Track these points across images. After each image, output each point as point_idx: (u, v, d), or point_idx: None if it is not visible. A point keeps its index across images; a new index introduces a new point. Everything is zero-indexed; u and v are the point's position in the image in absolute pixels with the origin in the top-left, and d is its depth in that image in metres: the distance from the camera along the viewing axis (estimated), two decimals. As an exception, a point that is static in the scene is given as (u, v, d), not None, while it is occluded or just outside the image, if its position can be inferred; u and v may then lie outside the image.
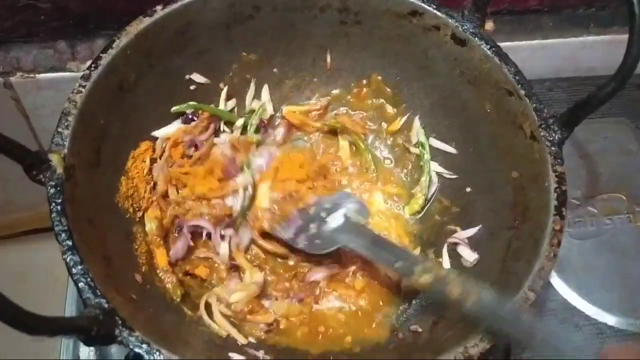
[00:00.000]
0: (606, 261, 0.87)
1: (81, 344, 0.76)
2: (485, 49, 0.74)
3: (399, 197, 0.83)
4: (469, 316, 0.56)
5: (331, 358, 0.65)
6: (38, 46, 0.91)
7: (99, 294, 0.54)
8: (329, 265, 0.74)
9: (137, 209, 0.71)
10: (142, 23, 0.72)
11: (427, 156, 0.81)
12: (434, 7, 0.76)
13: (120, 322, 0.54)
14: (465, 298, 0.56)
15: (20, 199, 1.21)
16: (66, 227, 0.57)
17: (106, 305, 0.54)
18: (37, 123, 1.02)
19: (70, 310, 0.82)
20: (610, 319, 0.82)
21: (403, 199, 0.83)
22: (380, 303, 0.73)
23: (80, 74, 0.91)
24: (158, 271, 0.68)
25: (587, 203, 0.92)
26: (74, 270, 0.56)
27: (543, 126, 0.68)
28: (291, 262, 0.75)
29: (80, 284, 0.55)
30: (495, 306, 0.55)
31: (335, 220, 0.72)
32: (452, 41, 0.76)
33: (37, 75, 0.93)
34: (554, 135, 0.68)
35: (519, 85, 0.71)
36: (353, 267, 0.75)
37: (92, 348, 0.76)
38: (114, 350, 0.75)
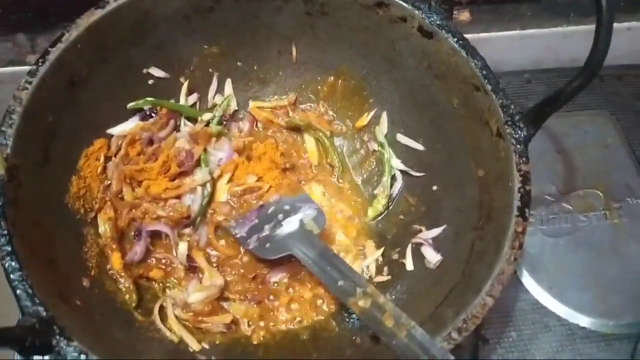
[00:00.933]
0: (580, 260, 0.84)
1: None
2: (452, 41, 0.71)
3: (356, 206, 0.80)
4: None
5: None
6: (-4, 39, 0.88)
7: (37, 301, 0.52)
8: (287, 265, 0.72)
9: (88, 209, 0.69)
10: (93, 15, 0.69)
11: (387, 155, 0.79)
12: (401, -2, 0.73)
13: (57, 330, 0.52)
14: (397, 331, 0.55)
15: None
16: (5, 231, 0.55)
17: (44, 314, 0.52)
18: (-1, 118, 0.98)
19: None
20: (582, 320, 0.80)
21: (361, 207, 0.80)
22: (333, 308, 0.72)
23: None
24: (112, 274, 0.66)
25: (562, 199, 0.90)
26: (12, 277, 0.54)
27: (509, 123, 0.66)
28: (247, 265, 0.72)
29: (18, 291, 0.53)
30: (425, 344, 0.53)
31: (290, 225, 0.70)
32: (419, 33, 0.74)
33: (-5, 69, 0.90)
34: (519, 132, 0.65)
35: (486, 80, 0.69)
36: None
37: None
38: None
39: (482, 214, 0.66)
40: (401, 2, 0.73)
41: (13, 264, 0.54)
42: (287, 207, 0.72)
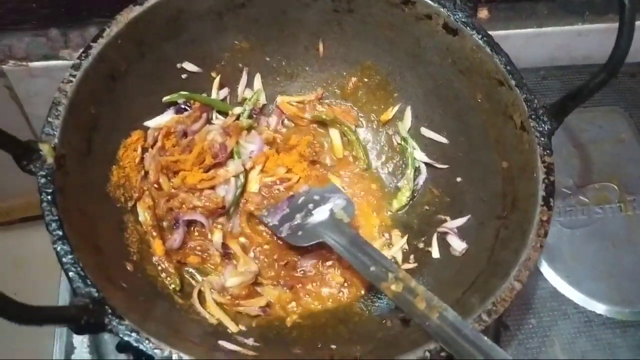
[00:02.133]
0: (596, 250, 0.87)
1: (74, 345, 0.77)
2: (476, 38, 0.74)
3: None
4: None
5: (319, 345, 0.66)
6: (30, 34, 0.91)
7: (89, 283, 0.55)
8: (317, 252, 0.75)
9: (128, 198, 0.72)
10: (132, 11, 0.72)
11: (410, 149, 0.81)
12: (426, -5, 0.76)
13: (109, 311, 0.54)
14: (429, 313, 0.58)
15: (14, 186, 1.21)
16: (56, 217, 0.58)
17: (96, 294, 0.55)
18: (31, 111, 1.02)
19: (63, 298, 0.82)
20: (599, 308, 0.83)
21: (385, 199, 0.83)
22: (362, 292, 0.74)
23: (73, 61, 0.92)
24: (154, 260, 0.69)
25: (578, 192, 0.93)
26: (64, 260, 0.56)
27: (533, 117, 0.68)
28: (279, 251, 0.75)
29: (71, 273, 0.56)
30: (457, 325, 0.56)
31: (320, 214, 0.72)
32: (444, 30, 0.76)
33: (29, 63, 0.93)
34: (543, 126, 0.68)
35: (510, 76, 0.71)
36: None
37: (85, 348, 0.77)
38: (110, 349, 0.75)
39: (506, 204, 0.69)
40: (427, 0, 0.76)
41: (65, 247, 0.57)
42: (316, 197, 0.75)
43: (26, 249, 1.27)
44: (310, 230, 0.71)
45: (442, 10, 0.75)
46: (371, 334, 0.67)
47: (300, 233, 0.72)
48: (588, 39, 1.09)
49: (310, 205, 0.74)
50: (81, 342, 0.76)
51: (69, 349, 0.76)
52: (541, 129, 0.68)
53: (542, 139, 0.67)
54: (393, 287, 0.61)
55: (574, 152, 0.97)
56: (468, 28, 0.74)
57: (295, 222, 0.73)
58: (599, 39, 1.09)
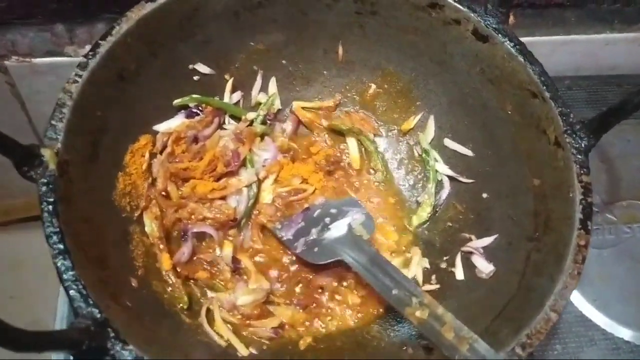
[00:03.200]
0: (625, 272, 0.83)
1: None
2: (509, 46, 0.69)
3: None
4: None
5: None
6: (35, 29, 0.86)
7: (91, 302, 0.51)
8: (333, 269, 0.71)
9: (134, 207, 0.67)
10: (144, 8, 0.68)
11: (432, 162, 0.77)
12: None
13: (112, 334, 0.50)
14: (458, 344, 0.54)
15: (15, 185, 1.17)
16: (58, 229, 0.54)
17: (98, 315, 0.51)
18: (33, 109, 0.97)
19: (63, 302, 0.78)
20: (627, 334, 0.78)
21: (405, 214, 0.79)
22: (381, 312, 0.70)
23: (78, 59, 0.87)
24: (159, 274, 0.65)
25: (606, 210, 0.88)
26: (64, 277, 0.52)
27: (569, 132, 0.64)
28: (293, 268, 0.71)
29: (72, 292, 0.51)
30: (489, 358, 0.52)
31: (337, 229, 0.68)
32: (473, 37, 0.72)
33: (33, 59, 0.88)
34: (580, 142, 0.64)
35: (544, 87, 0.67)
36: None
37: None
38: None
39: (538, 224, 0.65)
40: (456, 4, 0.72)
41: (66, 262, 0.52)
42: (334, 211, 0.70)
43: (25, 251, 1.23)
44: (327, 247, 0.67)
45: (472, 15, 0.71)
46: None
47: (316, 249, 0.68)
48: (616, 49, 1.04)
49: (327, 219, 0.70)
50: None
51: None
52: (577, 145, 0.64)
53: (579, 156, 0.63)
54: (418, 313, 0.57)
55: (601, 167, 0.93)
56: (500, 35, 0.70)
57: (311, 238, 0.69)
58: (628, 49, 1.05)
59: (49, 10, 0.85)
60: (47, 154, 0.57)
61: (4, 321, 0.41)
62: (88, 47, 0.87)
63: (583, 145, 0.64)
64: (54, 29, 0.88)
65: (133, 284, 0.61)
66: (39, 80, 0.91)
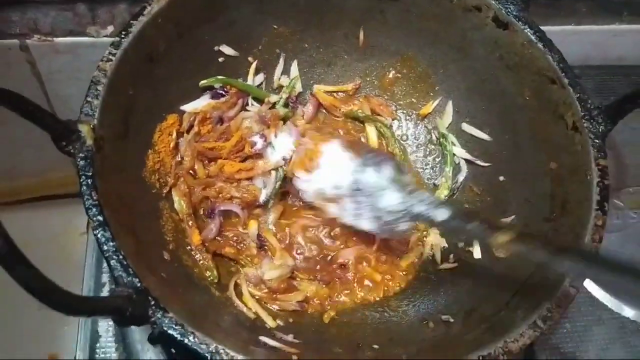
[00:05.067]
0: (631, 255, 0.86)
1: (99, 333, 0.74)
2: (529, 33, 0.71)
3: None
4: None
5: (360, 344, 0.64)
6: (57, 8, 0.87)
7: (131, 272, 0.53)
8: (354, 247, 0.73)
9: (163, 184, 0.69)
10: (173, -11, 0.68)
11: (449, 147, 0.79)
12: (477, -14, 0.73)
13: (153, 302, 0.52)
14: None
15: (26, 165, 1.18)
16: (97, 202, 0.55)
17: (139, 284, 0.52)
18: (51, 88, 0.98)
19: (88, 286, 0.80)
20: (632, 314, 0.81)
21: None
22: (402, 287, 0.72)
23: (100, 39, 0.88)
24: (189, 249, 0.66)
25: (613, 195, 0.89)
26: (105, 247, 0.54)
27: (586, 117, 0.66)
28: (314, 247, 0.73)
29: (112, 262, 0.53)
30: None
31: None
32: (494, 24, 0.74)
33: (54, 38, 0.89)
34: (597, 127, 0.66)
35: (563, 74, 0.69)
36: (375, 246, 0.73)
37: (111, 337, 0.74)
38: (136, 338, 0.73)
39: (555, 206, 0.67)
40: (477, -9, 0.73)
41: (106, 234, 0.54)
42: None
43: (35, 229, 1.24)
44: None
45: (493, 2, 0.73)
46: (413, 335, 0.65)
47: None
48: (624, 40, 1.07)
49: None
50: (106, 330, 0.74)
51: (94, 336, 0.73)
52: (595, 130, 0.66)
53: (597, 140, 0.66)
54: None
55: (609, 154, 0.93)
56: (520, 22, 0.72)
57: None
58: (635, 40, 1.07)
59: (70, -11, 0.86)
60: (84, 129, 0.58)
61: (58, 286, 0.43)
62: (110, 28, 0.89)
63: (600, 130, 0.66)
64: (76, 9, 0.88)
65: (165, 257, 0.63)
66: (59, 60, 0.92)
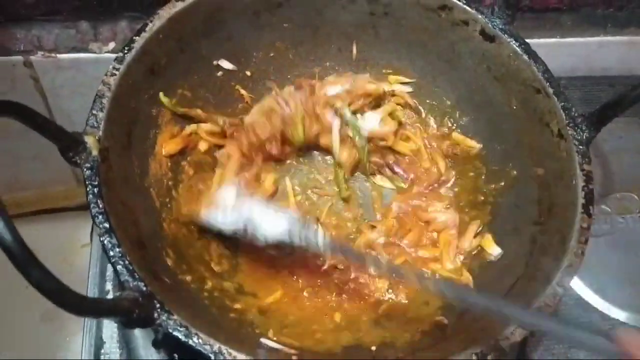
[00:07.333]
0: (619, 259, 0.88)
1: (103, 339, 0.76)
2: (514, 46, 0.75)
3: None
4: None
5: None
6: (60, 25, 0.90)
7: (137, 276, 0.55)
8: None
9: (165, 194, 0.71)
10: (175, 7, 0.72)
11: None
12: (464, 2, 0.77)
13: (158, 305, 0.54)
14: None
15: (29, 178, 1.20)
16: (103, 210, 0.58)
17: (144, 288, 0.54)
18: (54, 103, 1.00)
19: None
20: (622, 315, 0.84)
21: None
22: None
23: (102, 55, 0.91)
24: (191, 257, 0.69)
25: (601, 201, 0.94)
26: (111, 253, 0.56)
27: (571, 125, 0.69)
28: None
29: (119, 267, 0.55)
30: None
31: None
32: (481, 37, 0.77)
33: (58, 55, 0.92)
34: (581, 134, 0.69)
35: (547, 83, 0.72)
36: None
37: (115, 343, 0.76)
38: (140, 343, 0.75)
39: (542, 210, 0.70)
40: (464, 6, 0.77)
41: (112, 240, 0.56)
42: None
43: (37, 243, 1.25)
44: None
45: (480, 16, 0.76)
46: (410, 337, 0.67)
47: None
48: (608, 51, 1.10)
49: None
50: (110, 337, 0.76)
51: (98, 343, 0.75)
52: (579, 137, 0.69)
53: (581, 147, 0.68)
54: None
55: (596, 162, 0.97)
56: (506, 35, 0.75)
57: None
58: (619, 52, 1.10)
59: (73, 7, 0.89)
60: (90, 140, 0.60)
61: (69, 288, 0.45)
62: (112, 44, 0.92)
63: (584, 137, 0.69)
64: (78, 26, 0.91)
65: (169, 264, 0.65)
66: (62, 75, 0.95)
